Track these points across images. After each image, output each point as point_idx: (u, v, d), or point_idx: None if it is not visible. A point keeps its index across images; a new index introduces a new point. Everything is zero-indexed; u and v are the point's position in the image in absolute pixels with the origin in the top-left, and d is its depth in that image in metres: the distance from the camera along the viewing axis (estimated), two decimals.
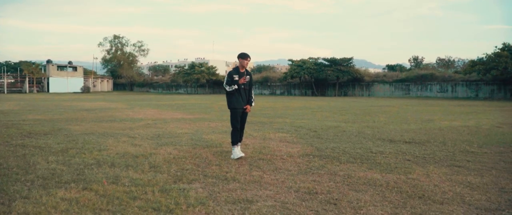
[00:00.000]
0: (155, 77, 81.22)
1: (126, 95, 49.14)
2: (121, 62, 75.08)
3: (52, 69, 64.44)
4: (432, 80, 39.68)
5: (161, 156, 6.27)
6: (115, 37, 74.66)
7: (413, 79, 41.14)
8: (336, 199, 4.08)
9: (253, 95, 6.64)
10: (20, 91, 60.22)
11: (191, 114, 16.29)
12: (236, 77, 6.32)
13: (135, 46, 76.70)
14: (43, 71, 65.62)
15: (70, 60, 71.70)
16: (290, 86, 51.09)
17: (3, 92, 57.20)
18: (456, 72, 40.59)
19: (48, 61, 66.36)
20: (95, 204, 3.78)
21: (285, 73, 48.96)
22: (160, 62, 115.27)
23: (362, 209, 3.80)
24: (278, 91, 52.57)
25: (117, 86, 78.15)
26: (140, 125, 11.51)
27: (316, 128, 10.65)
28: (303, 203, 3.96)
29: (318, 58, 45.69)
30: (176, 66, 68.21)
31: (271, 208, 3.77)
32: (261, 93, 53.53)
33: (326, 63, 44.60)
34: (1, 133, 9.13)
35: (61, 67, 66.34)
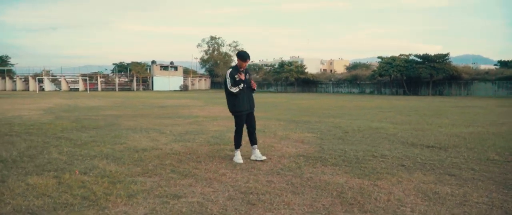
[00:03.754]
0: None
1: (216, 93, 51.66)
2: (218, 62, 78.92)
3: (156, 69, 70.36)
4: None
5: (158, 151, 6.73)
6: (212, 38, 78.69)
7: None
8: (261, 200, 4.08)
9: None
10: (129, 89, 66.85)
11: None
12: (237, 77, 6.03)
13: (231, 46, 79.99)
14: (148, 71, 71.97)
15: (172, 60, 77.49)
16: (380, 84, 48.90)
17: (115, 90, 64.04)
18: None
19: (153, 62, 72.59)
20: (45, 189, 4.33)
21: (374, 71, 47.05)
22: (256, 61, 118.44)
23: (273, 211, 3.77)
24: (367, 90, 50.65)
25: (215, 85, 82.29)
26: (187, 122, 12.24)
27: (352, 129, 10.28)
28: (226, 202, 4.04)
29: (410, 54, 42.98)
30: (266, 65, 69.71)
31: (187, 204, 3.94)
32: (350, 92, 52.08)
33: (418, 60, 41.75)
34: (59, 126, 10.50)
35: (164, 67, 72.02)
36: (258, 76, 75.23)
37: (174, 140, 8.10)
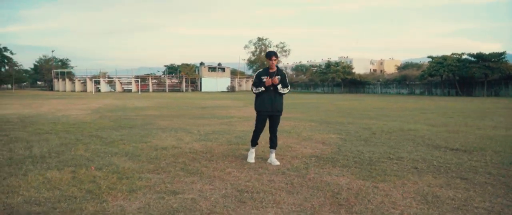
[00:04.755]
0: (297, 77, 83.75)
1: None
2: (265, 63, 79.49)
3: (204, 71, 72.02)
4: None
5: (177, 150, 6.98)
6: (259, 39, 79.51)
7: None
8: (253, 198, 4.17)
9: (286, 90, 6.07)
10: (178, 91, 68.94)
11: (288, 113, 16.72)
12: (264, 79, 5.91)
13: (278, 47, 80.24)
14: (196, 72, 73.83)
15: (220, 62, 79.05)
16: (430, 85, 46.94)
17: (165, 91, 66.29)
18: None
19: (201, 63, 74.39)
20: (58, 183, 4.67)
21: (423, 71, 45.25)
22: (304, 62, 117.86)
23: (260, 209, 3.86)
24: (417, 91, 48.79)
25: None
26: (219, 122, 12.53)
27: (381, 130, 10.06)
28: (219, 199, 4.17)
29: (463, 53, 40.91)
30: (312, 66, 69.42)
31: (181, 200, 4.10)
32: (399, 93, 50.44)
33: (472, 59, 39.64)
34: (98, 125, 11.15)
35: (211, 69, 73.57)
36: (305, 77, 74.83)
37: (197, 139, 8.36)
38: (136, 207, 3.91)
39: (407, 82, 50.43)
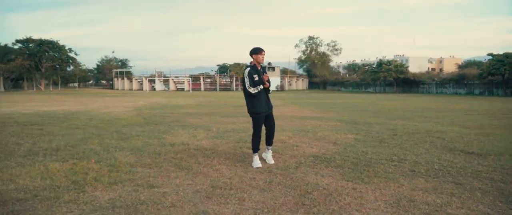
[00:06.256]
0: (348, 76, 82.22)
1: (311, 93, 51.62)
2: (315, 62, 78.64)
3: None
4: None
5: (183, 146, 7.20)
6: (310, 38, 78.67)
7: None
8: (221, 195, 4.25)
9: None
10: (229, 90, 70.14)
11: (322, 113, 16.61)
12: (256, 77, 5.70)
13: (329, 46, 79.07)
14: None
15: (270, 61, 79.23)
16: (491, 85, 43.95)
17: (216, 90, 67.73)
18: None
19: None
20: (53, 173, 5.03)
21: (482, 70, 42.47)
22: (357, 60, 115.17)
23: (220, 205, 3.93)
24: (476, 91, 45.91)
25: (312, 85, 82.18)
26: (245, 121, 12.59)
27: (405, 132, 9.68)
28: (188, 194, 4.29)
29: None
30: (365, 65, 67.72)
31: (152, 194, 4.27)
32: (456, 93, 47.74)
33: None
34: (129, 121, 11.71)
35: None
36: (356, 77, 73.11)
37: (210, 137, 8.54)
38: (108, 198, 4.14)
39: (465, 82, 47.61)
